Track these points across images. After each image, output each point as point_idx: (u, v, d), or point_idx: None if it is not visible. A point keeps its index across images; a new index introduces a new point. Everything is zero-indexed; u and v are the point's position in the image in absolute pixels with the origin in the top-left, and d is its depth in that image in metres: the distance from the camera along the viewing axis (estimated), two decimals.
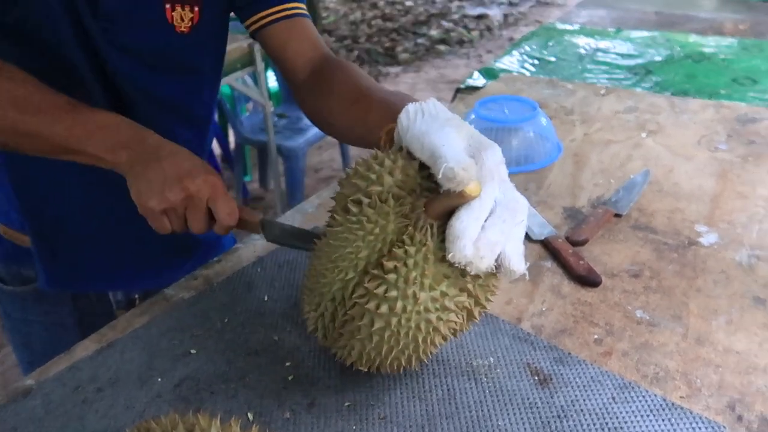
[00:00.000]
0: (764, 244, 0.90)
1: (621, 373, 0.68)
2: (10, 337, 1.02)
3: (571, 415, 0.63)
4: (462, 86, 1.80)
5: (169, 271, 0.93)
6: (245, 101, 3.05)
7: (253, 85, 2.65)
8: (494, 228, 0.55)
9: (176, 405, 0.66)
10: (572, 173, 1.11)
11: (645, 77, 1.76)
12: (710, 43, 2.02)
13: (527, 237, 0.91)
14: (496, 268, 0.56)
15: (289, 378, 0.69)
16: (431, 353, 0.62)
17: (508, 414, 0.63)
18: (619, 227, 0.95)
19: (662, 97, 1.47)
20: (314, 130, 2.76)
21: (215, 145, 3.13)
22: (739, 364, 0.69)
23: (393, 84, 4.54)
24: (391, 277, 0.55)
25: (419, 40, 5.36)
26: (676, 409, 0.63)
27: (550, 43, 2.09)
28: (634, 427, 0.62)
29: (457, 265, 0.55)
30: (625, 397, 0.65)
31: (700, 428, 0.61)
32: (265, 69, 2.57)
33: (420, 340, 0.57)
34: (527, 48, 2.05)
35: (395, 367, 0.62)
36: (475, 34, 5.44)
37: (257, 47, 2.43)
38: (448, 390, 0.67)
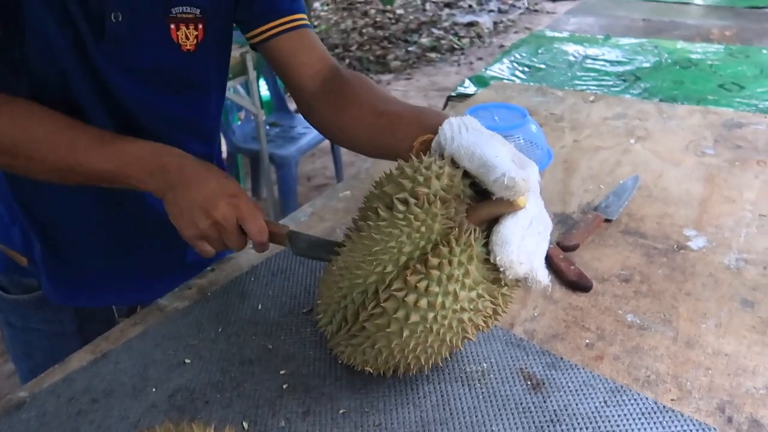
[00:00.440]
0: (751, 248, 0.91)
1: (612, 376, 0.69)
2: (11, 347, 1.02)
3: (564, 420, 0.64)
4: (453, 94, 1.81)
5: (181, 281, 0.93)
6: (237, 110, 3.05)
7: (245, 94, 2.65)
8: (531, 239, 0.59)
9: (171, 415, 0.66)
10: (562, 179, 1.12)
11: (634, 84, 1.78)
12: (697, 50, 2.05)
13: None
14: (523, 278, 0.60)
15: (284, 386, 0.69)
16: (446, 356, 0.64)
17: (501, 419, 0.64)
18: (609, 232, 0.96)
19: (650, 103, 1.49)
20: (306, 139, 2.77)
21: None
22: (729, 366, 0.70)
23: None
24: (435, 273, 0.57)
25: (410, 48, 5.39)
26: (667, 411, 0.64)
27: (540, 51, 2.11)
28: (626, 430, 0.62)
29: (500, 268, 0.59)
30: (617, 401, 0.66)
31: (690, 430, 0.62)
32: (257, 78, 2.57)
33: (448, 339, 0.60)
34: (517, 55, 2.07)
35: (411, 367, 0.63)
36: (465, 41, 5.48)
37: (249, 57, 2.44)
38: (442, 396, 0.67)
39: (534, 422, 0.64)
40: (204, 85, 0.89)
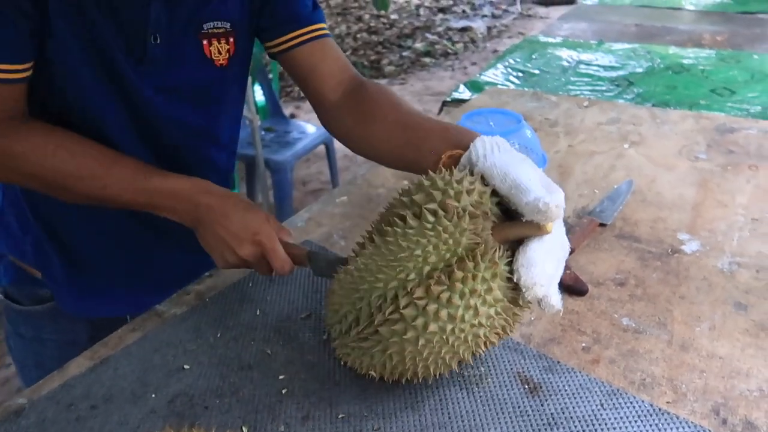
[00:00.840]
0: (744, 251, 0.92)
1: (609, 380, 0.70)
2: (20, 358, 1.01)
3: (561, 423, 0.64)
4: (448, 99, 1.82)
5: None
6: None
7: None
8: (552, 263, 0.61)
9: (170, 420, 0.66)
10: (557, 184, 1.13)
11: (627, 89, 1.80)
12: (689, 55, 2.07)
13: None
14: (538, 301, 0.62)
15: (283, 391, 0.69)
16: (454, 367, 0.64)
17: (499, 423, 0.65)
18: (604, 237, 0.97)
19: (643, 108, 1.50)
20: (302, 144, 2.78)
21: None
22: (723, 369, 0.71)
23: None
24: (458, 286, 0.58)
25: (404, 53, 5.41)
26: (662, 414, 0.65)
27: (534, 56, 2.13)
28: None
29: (522, 288, 0.60)
30: (614, 404, 0.66)
31: None
32: (253, 83, 2.58)
33: (461, 352, 0.61)
34: (511, 61, 2.08)
35: (417, 375, 0.64)
36: (459, 46, 5.50)
37: None
38: (440, 400, 0.68)
39: (531, 426, 0.64)
40: (231, 98, 0.91)
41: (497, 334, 0.63)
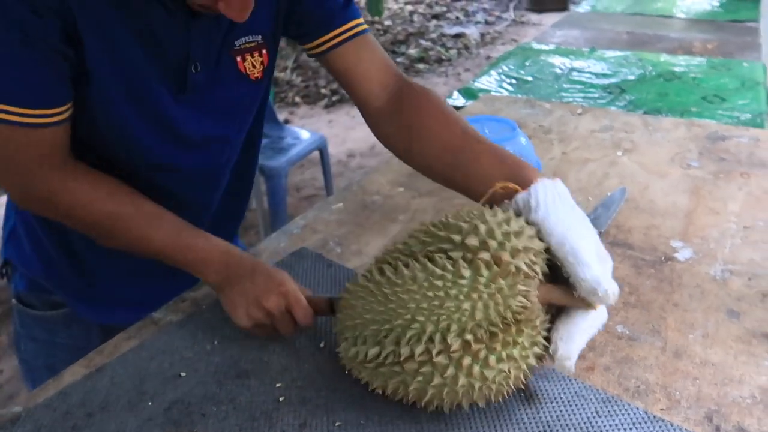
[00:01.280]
0: (736, 259, 0.93)
1: (603, 387, 0.70)
2: (29, 359, 1.01)
3: (557, 431, 0.65)
4: None
5: None
6: None
7: None
8: (587, 336, 0.63)
9: (167, 428, 0.66)
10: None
11: (619, 96, 1.81)
12: (680, 63, 2.09)
13: None
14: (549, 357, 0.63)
15: (280, 399, 0.69)
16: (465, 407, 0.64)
17: (495, 431, 0.65)
18: None
19: (636, 116, 1.52)
20: (296, 150, 2.78)
21: None
22: (716, 375, 0.72)
23: None
24: (498, 348, 0.58)
25: (398, 59, 5.42)
26: (657, 421, 0.65)
27: (527, 63, 2.14)
28: None
29: (555, 360, 0.62)
30: (608, 411, 0.67)
31: None
32: None
33: (476, 398, 0.61)
34: (505, 68, 2.10)
35: (426, 407, 0.64)
36: (453, 52, 5.53)
37: None
38: (437, 408, 0.68)
39: None
40: (263, 105, 0.90)
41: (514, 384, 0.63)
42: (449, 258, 0.61)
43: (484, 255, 0.59)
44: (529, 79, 1.99)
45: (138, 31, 0.70)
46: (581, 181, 1.18)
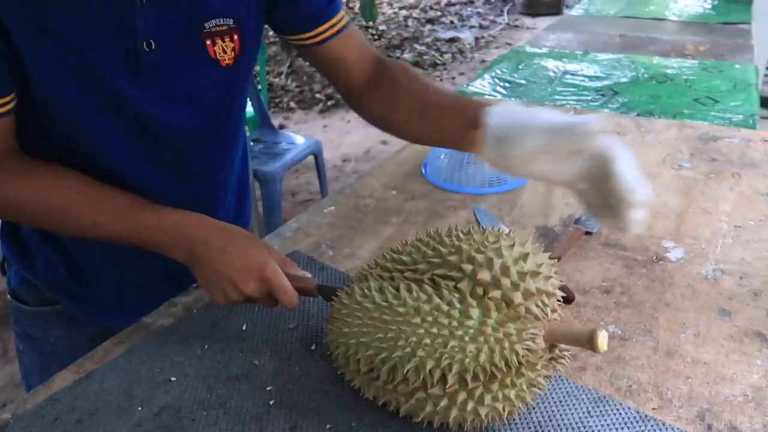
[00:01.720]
0: (728, 258, 0.93)
1: (596, 387, 0.70)
2: (25, 360, 1.00)
3: (549, 430, 0.65)
4: None
5: None
6: None
7: None
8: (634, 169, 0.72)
9: None
10: (544, 194, 1.14)
11: (612, 98, 1.82)
12: (673, 65, 2.09)
13: None
14: None
15: (271, 402, 0.69)
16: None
17: (487, 431, 0.65)
18: (590, 245, 0.98)
19: (628, 117, 1.52)
20: (291, 155, 2.78)
21: None
22: (708, 374, 0.72)
23: None
24: (495, 388, 0.57)
25: None
26: (648, 420, 0.65)
27: (521, 66, 2.15)
28: None
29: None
30: (600, 411, 0.67)
31: None
32: None
33: (466, 428, 0.61)
34: (498, 71, 2.10)
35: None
36: (447, 57, 5.54)
37: None
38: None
39: None
40: (237, 98, 0.87)
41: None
42: (457, 289, 0.59)
43: (496, 293, 0.58)
44: (523, 82, 2.00)
45: (75, 6, 0.67)
46: None
